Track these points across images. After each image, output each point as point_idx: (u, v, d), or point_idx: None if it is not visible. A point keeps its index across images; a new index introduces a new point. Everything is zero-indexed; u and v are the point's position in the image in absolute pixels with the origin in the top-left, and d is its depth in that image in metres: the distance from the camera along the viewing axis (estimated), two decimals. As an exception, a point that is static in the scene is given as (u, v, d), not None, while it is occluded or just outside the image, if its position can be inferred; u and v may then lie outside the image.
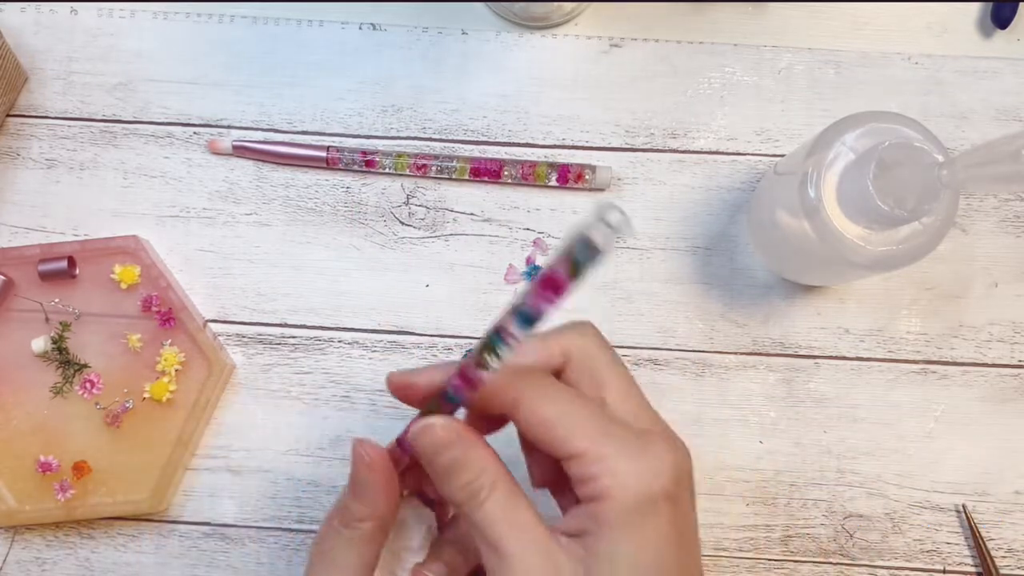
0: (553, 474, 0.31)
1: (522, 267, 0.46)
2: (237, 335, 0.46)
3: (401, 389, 0.31)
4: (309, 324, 0.46)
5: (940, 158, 0.34)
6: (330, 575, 0.30)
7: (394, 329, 0.46)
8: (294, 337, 0.46)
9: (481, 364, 0.26)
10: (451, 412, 0.29)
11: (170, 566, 0.45)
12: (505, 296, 0.46)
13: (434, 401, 0.29)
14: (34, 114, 0.47)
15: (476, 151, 0.47)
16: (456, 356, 0.46)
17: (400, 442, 0.31)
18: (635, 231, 0.21)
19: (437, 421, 0.28)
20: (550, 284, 0.23)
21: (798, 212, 0.37)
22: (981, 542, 0.44)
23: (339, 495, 0.31)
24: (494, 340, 0.25)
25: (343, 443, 0.45)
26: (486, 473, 0.28)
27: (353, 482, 0.30)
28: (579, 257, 0.22)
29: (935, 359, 0.46)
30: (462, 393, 0.28)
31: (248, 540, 0.45)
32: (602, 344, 0.31)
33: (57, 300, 0.44)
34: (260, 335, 0.46)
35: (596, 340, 0.31)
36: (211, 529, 0.45)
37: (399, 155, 0.46)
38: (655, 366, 0.46)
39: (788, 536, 0.45)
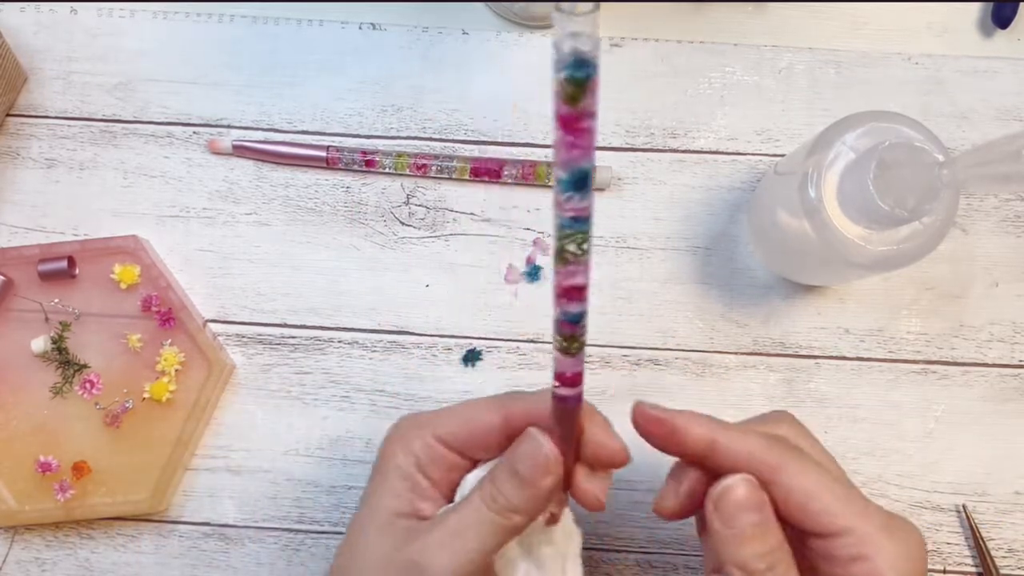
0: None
1: (522, 267, 0.46)
2: (237, 335, 0.46)
3: (657, 428, 0.30)
4: (309, 324, 0.46)
5: (940, 158, 0.34)
6: (456, 549, 0.29)
7: (394, 329, 0.46)
8: (294, 337, 0.46)
9: (566, 257, 0.23)
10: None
11: (170, 566, 0.45)
12: (505, 296, 0.46)
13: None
14: (34, 114, 0.47)
15: (476, 151, 0.47)
16: (456, 356, 0.46)
17: (552, 397, 0.28)
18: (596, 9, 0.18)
19: (738, 482, 0.28)
20: (562, 123, 0.20)
21: (798, 212, 0.37)
22: (981, 542, 0.44)
23: (492, 467, 0.31)
24: (564, 224, 0.22)
25: (343, 443, 0.45)
26: (784, 545, 0.28)
27: (521, 478, 0.29)
28: (566, 75, 0.19)
29: (935, 359, 0.46)
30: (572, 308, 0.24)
31: (248, 540, 0.45)
32: (807, 431, 0.32)
33: (57, 300, 0.44)
34: (260, 335, 0.46)
35: (802, 428, 0.32)
36: (211, 529, 0.45)
37: (399, 155, 0.46)
38: (655, 366, 0.46)
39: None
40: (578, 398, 0.27)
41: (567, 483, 0.31)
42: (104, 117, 0.47)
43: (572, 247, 0.22)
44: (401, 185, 0.47)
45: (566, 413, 0.28)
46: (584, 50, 0.19)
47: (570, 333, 0.25)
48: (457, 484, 0.32)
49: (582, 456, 0.31)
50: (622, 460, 0.31)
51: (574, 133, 0.20)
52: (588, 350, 0.45)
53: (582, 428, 0.30)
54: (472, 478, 0.32)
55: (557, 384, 0.27)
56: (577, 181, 0.21)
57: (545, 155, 0.47)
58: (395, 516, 0.31)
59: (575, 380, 0.26)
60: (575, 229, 0.22)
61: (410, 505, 0.31)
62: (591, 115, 0.20)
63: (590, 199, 0.22)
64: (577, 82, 0.19)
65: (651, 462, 0.45)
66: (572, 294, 0.24)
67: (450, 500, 0.32)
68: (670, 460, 0.46)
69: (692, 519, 0.33)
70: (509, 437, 0.31)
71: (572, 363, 0.26)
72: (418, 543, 0.29)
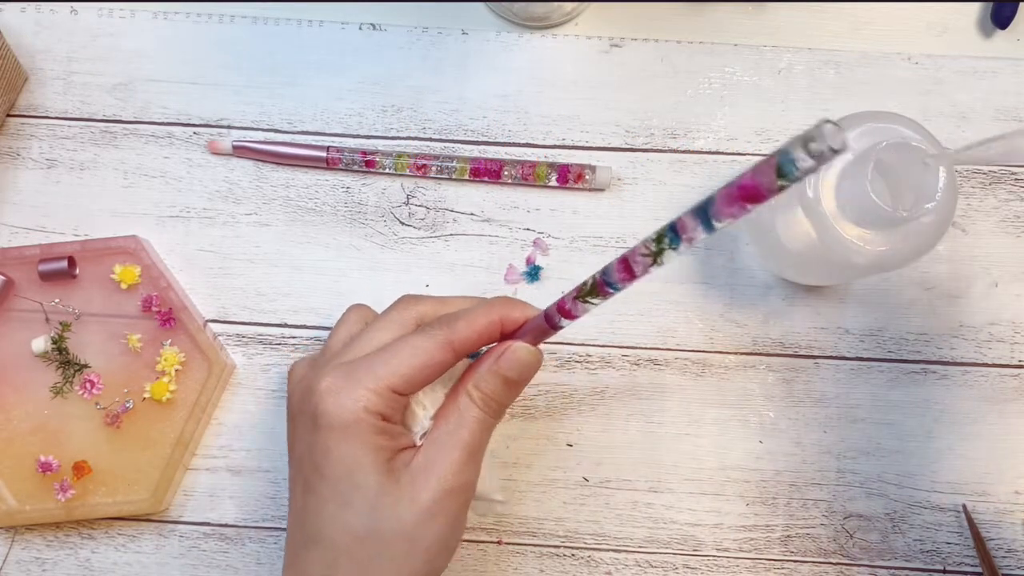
0: None
1: (522, 267, 0.46)
2: (237, 335, 0.46)
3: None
4: (309, 324, 0.46)
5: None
6: (479, 459, 0.34)
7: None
8: (294, 337, 0.46)
9: (649, 254, 0.26)
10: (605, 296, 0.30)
11: (170, 566, 0.45)
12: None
13: (591, 287, 0.30)
14: (34, 114, 0.47)
15: (476, 151, 0.47)
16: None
17: (548, 320, 0.32)
18: (848, 145, 0.20)
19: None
20: (748, 192, 0.22)
21: (797, 212, 0.37)
22: (981, 542, 0.44)
23: (473, 376, 0.34)
24: (671, 237, 0.25)
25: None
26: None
27: (514, 382, 0.34)
28: (785, 168, 0.21)
29: (935, 359, 0.46)
30: (620, 281, 0.28)
31: (248, 540, 0.45)
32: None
33: (57, 300, 0.44)
34: (260, 335, 0.46)
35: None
36: (211, 529, 0.45)
37: (399, 155, 0.46)
38: (655, 366, 0.46)
39: (788, 536, 0.45)
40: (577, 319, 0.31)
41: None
42: (104, 117, 0.47)
43: (666, 254, 0.26)
44: (401, 185, 0.47)
45: (550, 329, 0.33)
46: (815, 158, 0.21)
47: (601, 292, 0.29)
48: (406, 406, 0.35)
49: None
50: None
51: (748, 202, 0.22)
52: (588, 350, 0.45)
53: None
54: (424, 397, 0.35)
55: (562, 319, 0.31)
56: (712, 227, 0.24)
57: (545, 155, 0.47)
58: (388, 463, 0.32)
59: (572, 317, 0.31)
60: (677, 245, 0.25)
61: (391, 449, 0.33)
62: (770, 199, 0.22)
63: (706, 234, 0.25)
64: (791, 178, 0.21)
65: (651, 462, 0.46)
66: (625, 274, 0.27)
67: (403, 421, 0.35)
68: (668, 460, 0.46)
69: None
70: (456, 362, 0.34)
71: (584, 309, 0.30)
72: (440, 470, 0.32)
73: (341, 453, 0.32)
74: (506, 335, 0.34)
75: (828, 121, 0.20)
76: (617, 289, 0.28)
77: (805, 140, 0.20)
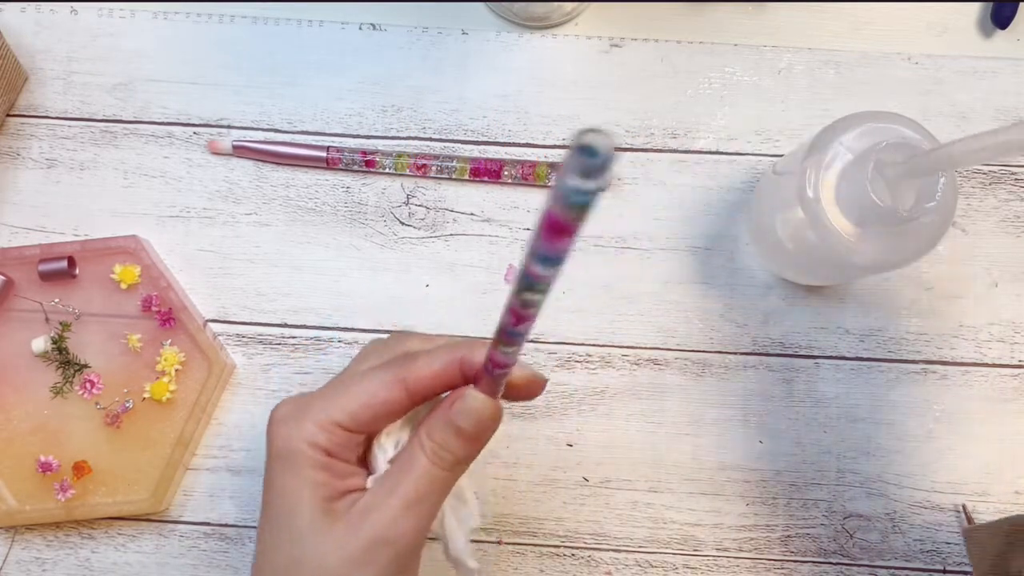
0: None
1: (522, 267, 0.46)
2: (237, 335, 0.46)
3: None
4: (309, 324, 0.46)
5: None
6: (420, 513, 0.31)
7: (394, 329, 0.46)
8: (294, 337, 0.46)
9: (521, 303, 0.25)
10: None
11: (170, 566, 0.45)
12: (505, 296, 0.46)
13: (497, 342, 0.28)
14: (34, 114, 0.47)
15: (476, 151, 0.47)
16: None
17: (485, 368, 0.29)
18: (614, 148, 0.18)
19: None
20: (555, 226, 0.21)
21: (797, 212, 0.37)
22: (981, 542, 0.44)
23: (425, 424, 0.31)
24: (528, 282, 0.24)
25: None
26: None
27: (468, 434, 0.31)
28: (571, 199, 0.20)
29: (935, 359, 0.46)
30: (514, 327, 0.26)
31: (248, 540, 0.45)
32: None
33: (57, 300, 0.44)
34: (260, 335, 0.46)
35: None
36: (211, 529, 0.45)
37: (399, 155, 0.46)
38: (655, 366, 0.46)
39: (788, 536, 0.45)
40: (509, 373, 0.29)
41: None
42: (104, 117, 0.47)
43: (533, 296, 0.24)
44: (401, 185, 0.47)
45: (499, 377, 0.30)
46: (591, 177, 0.19)
47: (513, 342, 0.27)
48: (366, 449, 0.32)
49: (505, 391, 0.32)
50: (542, 386, 0.32)
51: (560, 237, 0.21)
52: (588, 350, 0.45)
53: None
54: (386, 439, 0.32)
55: (495, 369, 0.28)
56: (554, 263, 0.22)
57: (545, 155, 0.47)
58: (327, 502, 0.31)
59: (509, 365, 0.28)
60: (536, 289, 0.24)
61: (336, 488, 0.31)
62: (581, 224, 0.21)
63: (556, 273, 0.23)
64: (580, 205, 0.20)
65: (651, 462, 0.46)
66: (520, 320, 0.25)
67: (365, 464, 0.32)
68: (668, 460, 0.46)
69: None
70: (413, 404, 0.31)
71: (509, 358, 0.28)
72: (375, 518, 0.30)
73: (282, 484, 0.31)
74: (468, 379, 0.31)
75: (589, 130, 0.18)
76: (519, 334, 0.26)
77: (577, 166, 0.19)
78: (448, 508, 0.33)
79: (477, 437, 0.31)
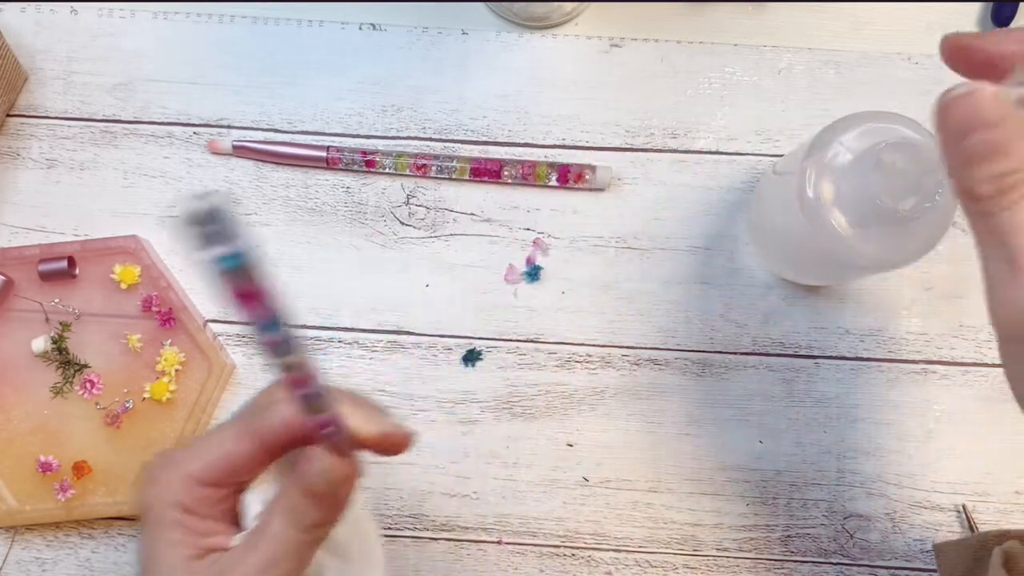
0: None
1: (522, 267, 0.46)
2: (237, 335, 0.46)
3: (958, 52, 0.26)
4: (309, 324, 0.46)
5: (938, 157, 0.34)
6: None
7: (394, 329, 0.46)
8: (294, 337, 0.46)
9: (290, 367, 0.24)
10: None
11: (170, 566, 0.45)
12: (505, 296, 0.46)
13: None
14: (34, 114, 0.47)
15: (476, 151, 0.47)
16: (456, 356, 0.46)
17: (322, 423, 0.28)
18: (227, 205, 0.18)
19: (963, 90, 0.23)
20: (241, 300, 0.21)
21: (797, 212, 0.37)
22: (981, 542, 0.44)
23: (283, 487, 0.30)
24: (272, 349, 0.23)
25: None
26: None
27: (320, 496, 0.29)
28: (221, 267, 0.20)
29: (935, 359, 0.46)
30: (299, 388, 0.25)
31: (248, 540, 0.45)
32: None
33: (57, 300, 0.44)
34: (260, 335, 0.46)
35: None
36: (211, 529, 0.45)
37: (399, 155, 0.46)
38: (655, 366, 0.46)
39: (788, 536, 0.45)
40: (340, 431, 0.27)
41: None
42: (104, 117, 0.47)
43: (287, 360, 0.23)
44: (401, 185, 0.47)
45: (330, 437, 0.28)
46: (211, 242, 0.18)
47: (312, 404, 0.26)
48: (235, 505, 0.31)
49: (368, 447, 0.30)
50: (403, 442, 0.30)
51: (250, 304, 0.21)
52: (588, 350, 0.45)
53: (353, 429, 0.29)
54: (252, 497, 0.31)
55: (322, 429, 0.27)
56: (268, 325, 0.22)
57: (545, 155, 0.47)
58: (188, 561, 0.29)
59: (329, 423, 0.27)
60: (283, 352, 0.23)
61: (198, 546, 0.29)
62: (259, 289, 0.20)
63: (284, 330, 0.22)
64: (235, 271, 0.19)
65: (651, 462, 0.46)
66: (300, 383, 0.25)
67: (235, 520, 0.31)
68: (668, 460, 0.46)
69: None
70: (271, 456, 0.30)
71: (323, 417, 0.27)
72: None
73: (145, 543, 0.30)
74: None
75: (195, 198, 0.18)
76: (313, 395, 0.25)
77: (199, 238, 0.18)
78: (331, 570, 0.32)
79: (330, 498, 0.28)
